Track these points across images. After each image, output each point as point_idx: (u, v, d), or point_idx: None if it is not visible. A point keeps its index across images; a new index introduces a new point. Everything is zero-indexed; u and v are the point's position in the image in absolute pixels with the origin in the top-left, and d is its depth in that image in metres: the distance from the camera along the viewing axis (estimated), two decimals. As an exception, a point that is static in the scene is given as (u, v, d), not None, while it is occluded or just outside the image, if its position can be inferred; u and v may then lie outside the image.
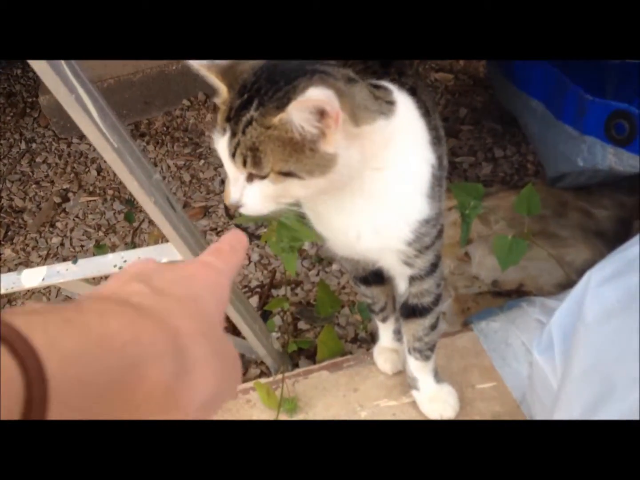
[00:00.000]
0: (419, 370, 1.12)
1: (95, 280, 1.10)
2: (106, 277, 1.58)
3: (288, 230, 0.89)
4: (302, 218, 0.88)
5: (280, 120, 0.68)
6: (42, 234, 1.97)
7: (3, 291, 1.04)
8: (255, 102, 0.70)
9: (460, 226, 1.40)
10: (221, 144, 0.73)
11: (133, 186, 0.87)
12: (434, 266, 0.97)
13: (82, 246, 1.90)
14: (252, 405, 1.23)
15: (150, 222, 1.92)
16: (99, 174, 2.14)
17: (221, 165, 2.13)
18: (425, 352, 1.09)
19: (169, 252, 1.01)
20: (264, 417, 1.20)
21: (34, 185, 2.16)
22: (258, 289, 1.61)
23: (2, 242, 1.96)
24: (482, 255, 1.50)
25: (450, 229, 1.53)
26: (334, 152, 0.71)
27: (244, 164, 0.72)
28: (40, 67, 0.71)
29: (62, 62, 0.73)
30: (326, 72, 0.73)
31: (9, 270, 1.87)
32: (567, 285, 1.41)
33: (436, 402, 1.15)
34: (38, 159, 2.25)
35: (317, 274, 1.63)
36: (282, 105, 0.68)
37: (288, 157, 0.70)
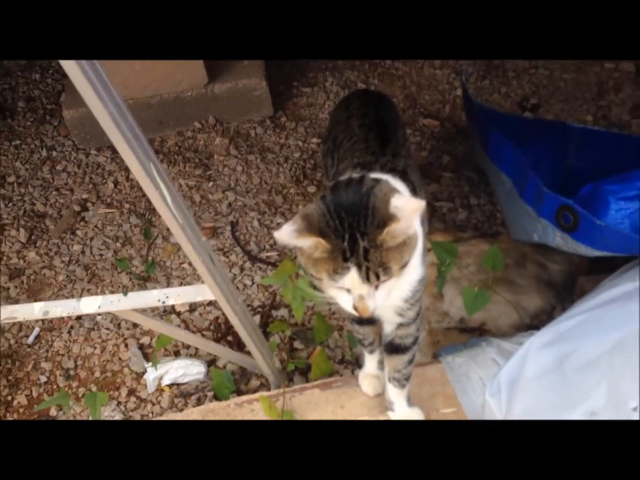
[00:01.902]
0: (396, 395, 1.39)
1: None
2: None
3: (303, 292, 1.16)
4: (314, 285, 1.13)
5: (387, 233, 0.91)
6: (63, 240, 2.18)
7: (65, 315, 1.28)
8: (358, 235, 0.92)
9: (436, 266, 1.67)
10: (347, 278, 0.93)
11: (188, 248, 1.11)
12: (418, 314, 1.24)
13: (101, 255, 2.12)
14: (255, 415, 1.49)
15: (164, 237, 2.15)
16: (115, 186, 2.35)
17: (228, 189, 2.33)
18: (402, 381, 1.36)
19: (204, 292, 1.26)
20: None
21: (54, 192, 2.36)
22: (260, 309, 1.87)
23: (27, 245, 2.17)
24: (453, 295, 1.78)
25: (428, 269, 1.80)
26: (415, 229, 0.96)
27: (377, 279, 0.93)
28: (133, 164, 0.94)
29: (151, 164, 0.97)
30: (375, 185, 0.97)
31: (34, 272, 2.09)
32: (520, 327, 1.70)
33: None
34: (58, 167, 2.45)
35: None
36: (381, 224, 0.91)
37: (402, 253, 0.94)
